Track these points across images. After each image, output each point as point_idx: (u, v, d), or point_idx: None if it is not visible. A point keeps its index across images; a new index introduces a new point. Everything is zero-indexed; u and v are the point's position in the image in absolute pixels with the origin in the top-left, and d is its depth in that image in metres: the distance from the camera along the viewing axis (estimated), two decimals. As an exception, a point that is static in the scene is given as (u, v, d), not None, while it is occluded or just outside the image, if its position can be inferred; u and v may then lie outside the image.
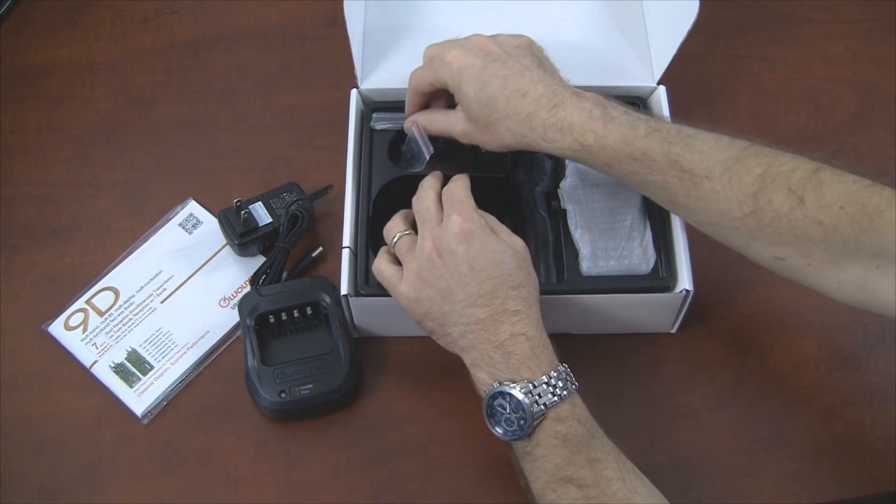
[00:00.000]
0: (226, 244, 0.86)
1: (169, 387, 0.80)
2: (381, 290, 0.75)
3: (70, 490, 0.76)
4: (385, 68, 0.86)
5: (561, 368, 0.66)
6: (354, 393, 0.79)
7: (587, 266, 0.77)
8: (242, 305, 0.80)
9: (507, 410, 0.65)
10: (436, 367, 0.80)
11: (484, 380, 0.67)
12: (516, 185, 0.83)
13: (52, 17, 1.00)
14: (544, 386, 0.65)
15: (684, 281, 0.75)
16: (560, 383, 0.65)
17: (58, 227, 0.88)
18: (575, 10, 0.88)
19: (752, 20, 0.99)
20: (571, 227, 0.78)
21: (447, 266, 0.69)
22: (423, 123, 0.78)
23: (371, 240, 0.78)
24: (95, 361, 0.81)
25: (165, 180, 0.90)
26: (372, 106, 0.84)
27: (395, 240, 0.73)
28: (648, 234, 0.78)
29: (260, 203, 0.85)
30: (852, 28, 0.98)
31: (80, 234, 0.88)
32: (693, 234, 0.76)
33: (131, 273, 0.85)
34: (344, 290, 0.76)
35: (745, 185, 0.65)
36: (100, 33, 0.99)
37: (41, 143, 0.93)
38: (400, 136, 0.82)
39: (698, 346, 0.81)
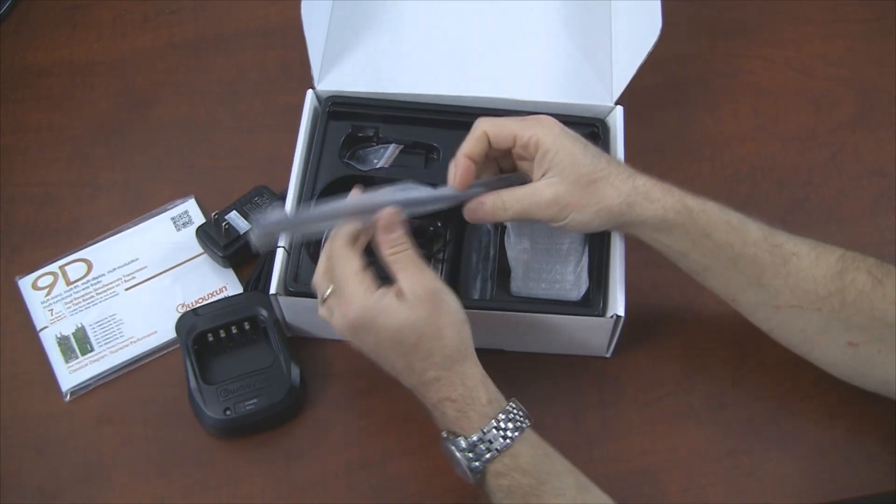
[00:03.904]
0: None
1: (101, 374, 0.80)
2: (309, 290, 0.72)
3: (70, 490, 0.76)
4: (342, 71, 0.85)
5: (509, 407, 0.66)
6: (300, 404, 0.78)
7: (516, 287, 0.76)
8: (180, 327, 0.79)
9: (453, 461, 0.66)
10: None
11: (437, 425, 0.69)
12: None
13: (52, 17, 1.00)
14: (479, 442, 0.65)
15: (616, 306, 0.73)
16: (501, 428, 0.65)
17: (58, 227, 0.88)
18: (537, 25, 0.88)
19: (752, 20, 0.99)
20: (508, 245, 0.77)
21: (362, 344, 0.68)
22: (505, 201, 0.70)
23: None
24: (45, 327, 0.82)
25: (165, 180, 0.90)
26: (331, 101, 0.82)
27: (323, 300, 0.69)
28: (585, 261, 0.76)
29: (235, 212, 0.85)
30: (852, 28, 0.98)
31: (79, 234, 0.88)
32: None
33: (109, 252, 0.86)
34: (273, 289, 0.75)
35: (830, 264, 0.68)
36: (100, 33, 0.99)
37: (41, 143, 0.93)
38: (353, 135, 0.82)
39: (698, 347, 0.81)
